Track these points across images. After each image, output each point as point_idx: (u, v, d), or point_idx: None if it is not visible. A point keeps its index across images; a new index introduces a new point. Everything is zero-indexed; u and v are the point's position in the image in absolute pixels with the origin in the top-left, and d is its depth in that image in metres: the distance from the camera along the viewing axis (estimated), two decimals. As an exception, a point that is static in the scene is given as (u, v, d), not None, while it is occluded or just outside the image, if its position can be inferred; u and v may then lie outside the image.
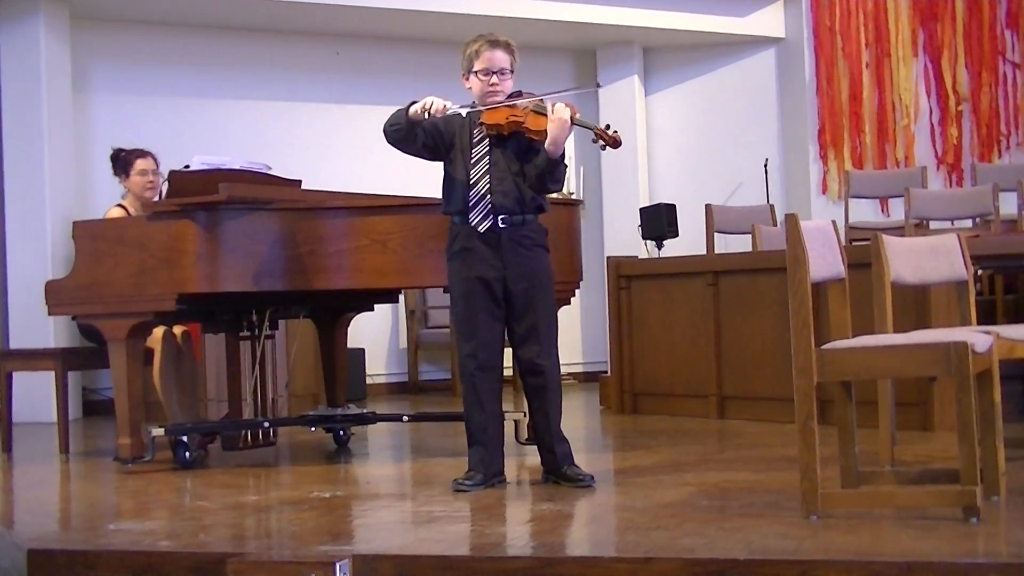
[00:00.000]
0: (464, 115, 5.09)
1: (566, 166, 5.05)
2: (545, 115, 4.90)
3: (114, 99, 9.62)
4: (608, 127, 4.90)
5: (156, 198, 6.69)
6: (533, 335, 5.02)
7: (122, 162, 6.78)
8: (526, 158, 5.00)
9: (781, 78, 11.03)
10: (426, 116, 4.93)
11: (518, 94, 5.08)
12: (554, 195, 5.43)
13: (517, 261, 4.98)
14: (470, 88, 5.11)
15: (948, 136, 10.79)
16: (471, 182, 4.99)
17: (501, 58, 5.05)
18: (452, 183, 5.07)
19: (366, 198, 6.18)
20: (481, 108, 5.03)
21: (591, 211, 10.85)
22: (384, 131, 5.06)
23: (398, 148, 5.12)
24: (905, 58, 10.79)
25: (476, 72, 5.04)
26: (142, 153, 6.80)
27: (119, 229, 5.92)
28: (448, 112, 4.96)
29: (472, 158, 5.03)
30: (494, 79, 5.02)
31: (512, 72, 5.09)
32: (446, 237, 5.13)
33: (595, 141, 4.94)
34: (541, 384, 5.05)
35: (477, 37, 5.10)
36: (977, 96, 10.78)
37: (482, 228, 4.97)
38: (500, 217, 4.96)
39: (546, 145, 4.87)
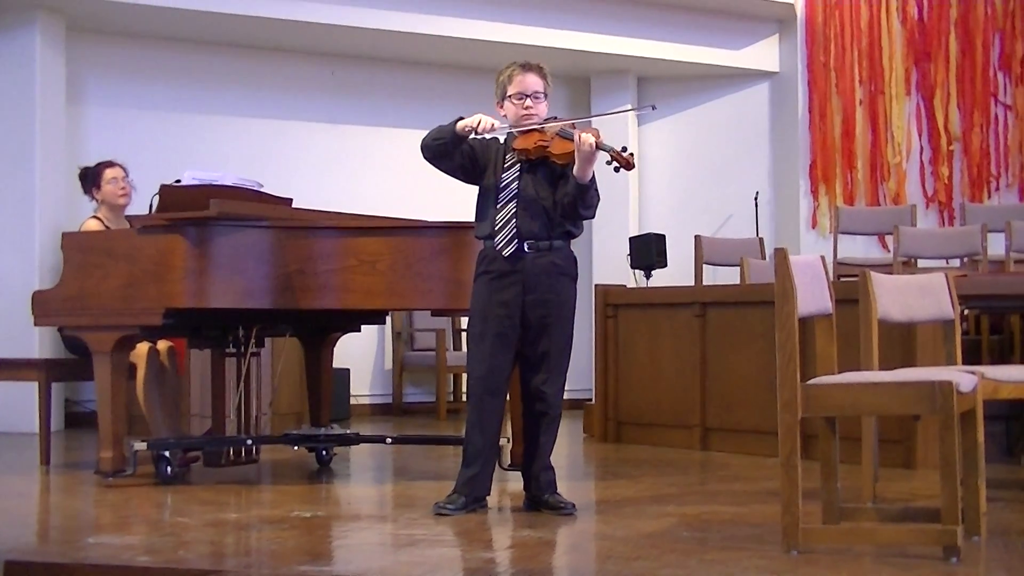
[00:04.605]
0: (501, 140, 5.11)
1: (598, 192, 5.01)
2: (571, 140, 4.89)
3: (107, 112, 9.62)
4: (624, 149, 4.87)
5: (129, 206, 6.71)
6: (543, 363, 5.02)
7: (91, 176, 6.79)
8: (558, 185, 4.99)
9: (774, 112, 11.07)
10: (474, 135, 4.95)
11: (552, 119, 5.07)
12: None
13: (537, 288, 4.97)
14: (505, 115, 5.10)
15: (939, 175, 10.83)
16: (498, 206, 5.00)
17: (534, 81, 5.06)
18: (482, 207, 5.08)
19: (356, 219, 6.19)
20: (516, 131, 5.03)
21: (581, 239, 10.79)
22: (424, 144, 5.03)
23: (433, 164, 5.08)
24: (898, 96, 10.84)
25: (510, 97, 5.05)
26: (108, 163, 6.81)
27: (108, 241, 5.92)
28: (497, 131, 4.96)
29: (501, 183, 5.03)
30: (528, 102, 5.03)
31: (546, 96, 5.10)
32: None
33: (609, 163, 4.90)
34: (542, 411, 5.04)
35: (509, 64, 5.12)
36: (969, 136, 10.83)
37: (507, 252, 4.96)
38: (526, 243, 4.96)
39: (574, 171, 4.87)
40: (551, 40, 10.14)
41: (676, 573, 3.76)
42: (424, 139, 5.04)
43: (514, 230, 4.96)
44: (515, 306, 4.97)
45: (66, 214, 8.87)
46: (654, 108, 5.53)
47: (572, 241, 5.15)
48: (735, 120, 11.14)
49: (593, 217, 5.13)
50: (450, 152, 5.02)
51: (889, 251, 10.31)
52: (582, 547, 4.52)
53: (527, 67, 5.09)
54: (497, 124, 4.97)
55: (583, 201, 4.93)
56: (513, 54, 5.26)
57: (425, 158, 5.08)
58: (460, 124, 4.96)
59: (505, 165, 5.06)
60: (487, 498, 5.08)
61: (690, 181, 11.18)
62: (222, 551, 4.37)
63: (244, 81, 10.11)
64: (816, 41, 10.82)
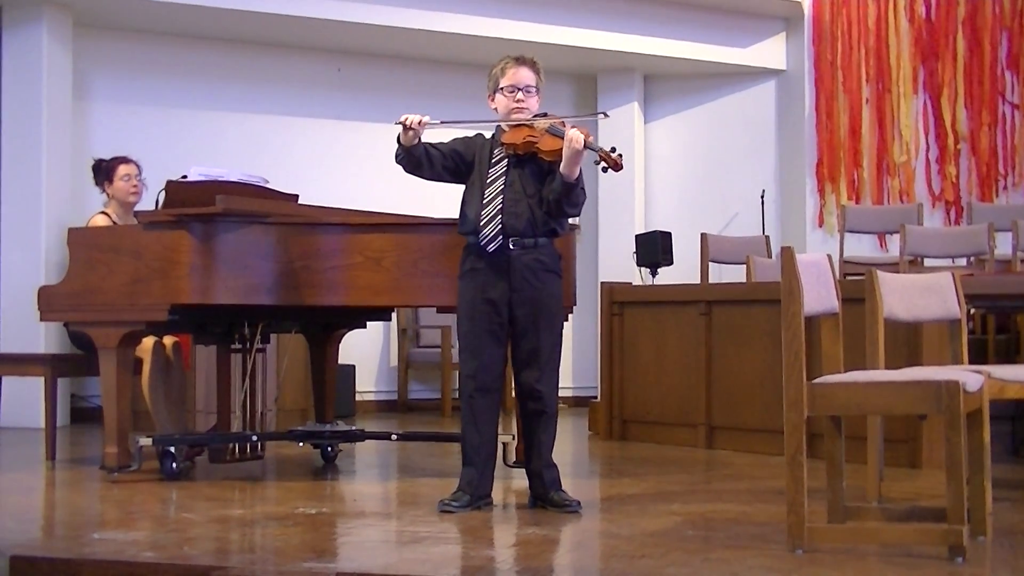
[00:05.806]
0: (488, 135, 5.11)
1: (584, 191, 5.01)
2: (560, 137, 4.88)
3: (114, 108, 9.63)
4: (613, 150, 4.88)
5: (139, 204, 6.71)
6: (534, 360, 5.00)
7: (104, 170, 6.79)
8: (545, 181, 4.98)
9: (780, 110, 11.05)
10: (412, 135, 4.95)
11: (543, 115, 5.06)
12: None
13: (524, 285, 4.96)
14: (495, 108, 5.11)
15: (946, 174, 10.81)
16: (484, 201, 4.98)
17: (527, 75, 5.06)
18: (467, 202, 5.07)
19: (362, 215, 6.18)
20: (505, 126, 5.03)
21: (586, 236, 10.84)
22: (397, 163, 5.09)
23: (417, 175, 5.13)
24: (905, 94, 10.83)
25: (502, 89, 5.05)
26: (124, 159, 6.81)
27: (114, 237, 5.92)
28: (427, 124, 4.95)
29: (488, 177, 5.02)
30: (520, 95, 5.03)
31: (538, 91, 5.09)
32: (458, 257, 5.11)
33: (598, 163, 4.92)
34: (538, 409, 5.03)
35: (503, 57, 5.13)
36: (976, 135, 10.81)
37: (491, 248, 4.95)
38: (511, 239, 4.94)
39: (560, 168, 4.86)
40: (558, 38, 10.14)
41: (680, 571, 3.76)
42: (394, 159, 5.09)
43: (499, 226, 4.95)
44: (502, 303, 4.96)
45: (72, 210, 8.88)
46: (606, 115, 5.53)
47: (577, 236, 5.14)
48: (741, 118, 11.12)
49: (578, 215, 5.15)
50: (417, 161, 5.04)
51: (887, 251, 10.32)
52: (586, 545, 4.52)
53: (520, 60, 5.09)
54: (426, 120, 4.95)
55: (568, 199, 4.92)
56: (520, 51, 5.25)
57: (409, 173, 5.12)
58: (400, 134, 4.98)
59: (492, 160, 5.05)
60: (491, 495, 5.07)
61: (696, 179, 11.17)
62: (227, 547, 4.38)
63: (251, 77, 10.11)
64: (823, 39, 10.81)
